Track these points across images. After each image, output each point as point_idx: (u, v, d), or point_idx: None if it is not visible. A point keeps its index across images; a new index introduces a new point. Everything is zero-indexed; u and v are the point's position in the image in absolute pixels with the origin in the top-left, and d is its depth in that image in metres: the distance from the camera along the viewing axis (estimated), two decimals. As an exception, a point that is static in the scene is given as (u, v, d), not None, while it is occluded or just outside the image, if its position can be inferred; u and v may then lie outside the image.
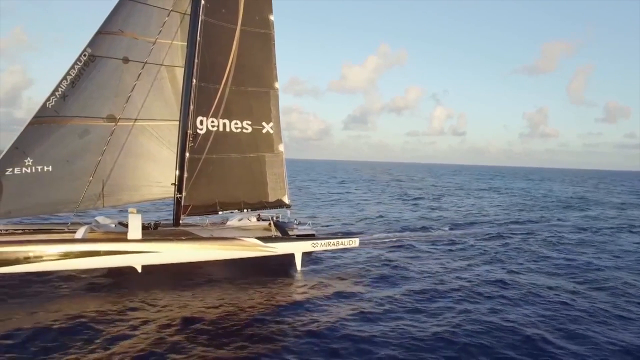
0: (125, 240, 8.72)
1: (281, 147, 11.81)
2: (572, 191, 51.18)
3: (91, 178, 9.79)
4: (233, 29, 11.04)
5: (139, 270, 8.73)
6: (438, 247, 14.98)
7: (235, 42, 11.04)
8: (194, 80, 10.34)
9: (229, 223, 12.23)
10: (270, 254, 10.01)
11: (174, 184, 10.35)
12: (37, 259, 7.86)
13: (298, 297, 8.91)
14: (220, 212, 10.81)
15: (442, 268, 11.96)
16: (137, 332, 6.82)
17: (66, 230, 9.93)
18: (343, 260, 12.11)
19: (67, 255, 8.05)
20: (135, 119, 10.72)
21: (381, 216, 22.41)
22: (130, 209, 11.50)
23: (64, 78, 9.58)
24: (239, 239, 9.74)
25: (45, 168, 9.62)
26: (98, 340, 6.47)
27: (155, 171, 11.14)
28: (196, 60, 10.35)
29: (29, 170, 9.40)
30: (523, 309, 8.81)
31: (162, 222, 10.99)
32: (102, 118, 10.24)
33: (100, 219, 10.84)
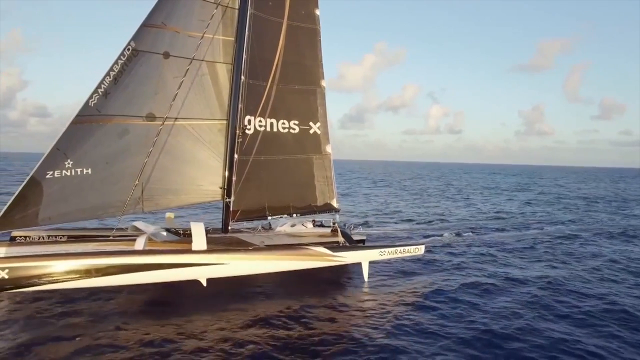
0: (190, 251, 7.96)
1: (329, 148, 11.16)
2: (599, 188, 50.45)
3: (137, 181, 9.15)
4: (280, 23, 10.41)
5: (204, 284, 8.01)
6: (520, 249, 14.08)
7: (282, 37, 10.40)
8: (243, 77, 9.70)
9: (279, 229, 11.52)
10: (338, 264, 9.26)
11: (222, 188, 9.66)
12: (98, 272, 7.09)
13: (379, 316, 7.99)
14: (269, 218, 10.15)
15: (531, 272, 11.13)
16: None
17: (111, 237, 9.30)
18: (410, 268, 11.28)
19: (129, 269, 7.27)
20: (176, 118, 10.05)
21: (437, 217, 21.59)
22: (167, 214, 10.89)
23: (107, 74, 8.94)
24: (308, 248, 8.95)
25: (85, 170, 8.98)
26: None
27: (197, 174, 10.45)
28: (244, 56, 9.72)
29: (69, 173, 8.76)
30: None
31: (211, 229, 10.32)
32: (142, 117, 9.60)
33: (140, 225, 10.22)
